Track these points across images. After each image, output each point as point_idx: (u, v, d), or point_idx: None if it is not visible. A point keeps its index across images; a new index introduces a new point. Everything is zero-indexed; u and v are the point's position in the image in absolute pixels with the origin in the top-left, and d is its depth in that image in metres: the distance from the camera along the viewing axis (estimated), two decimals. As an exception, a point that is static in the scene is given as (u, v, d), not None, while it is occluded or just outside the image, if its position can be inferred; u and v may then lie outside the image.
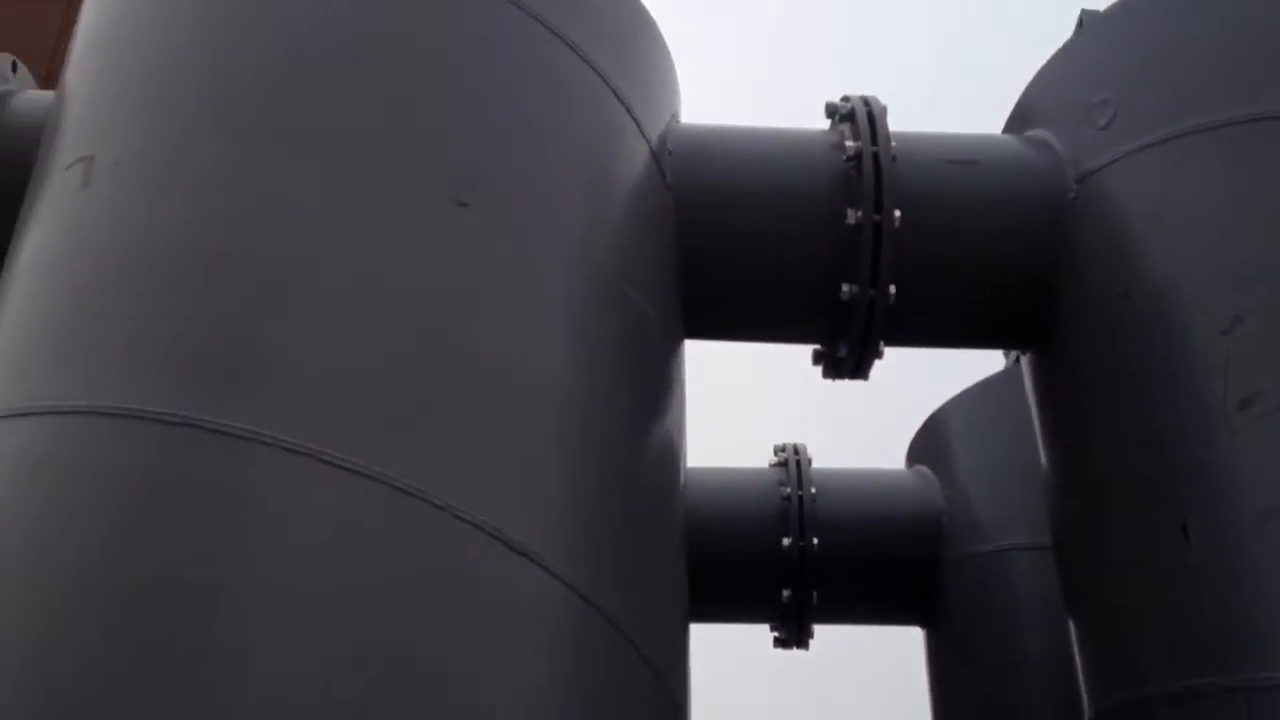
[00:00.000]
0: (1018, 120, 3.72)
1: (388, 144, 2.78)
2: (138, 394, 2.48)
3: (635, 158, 3.22)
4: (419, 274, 2.64)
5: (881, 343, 3.46)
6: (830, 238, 3.36)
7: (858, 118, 3.44)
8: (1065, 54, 3.62)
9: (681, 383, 3.37)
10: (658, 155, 3.32)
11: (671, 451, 3.16)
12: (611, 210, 3.07)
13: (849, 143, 3.38)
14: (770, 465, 4.86)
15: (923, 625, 4.82)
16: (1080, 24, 3.78)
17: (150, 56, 2.95)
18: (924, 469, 4.92)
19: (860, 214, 3.31)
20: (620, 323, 2.93)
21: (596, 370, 2.81)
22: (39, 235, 2.87)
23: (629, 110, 3.24)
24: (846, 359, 3.49)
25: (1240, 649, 2.64)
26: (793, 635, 4.72)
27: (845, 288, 3.34)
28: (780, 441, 4.93)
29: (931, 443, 4.98)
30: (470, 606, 2.41)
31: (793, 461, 4.75)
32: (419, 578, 2.40)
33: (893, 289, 3.33)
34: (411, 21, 2.97)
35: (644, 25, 3.51)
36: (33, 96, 3.54)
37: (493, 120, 2.90)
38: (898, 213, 3.31)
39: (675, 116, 3.56)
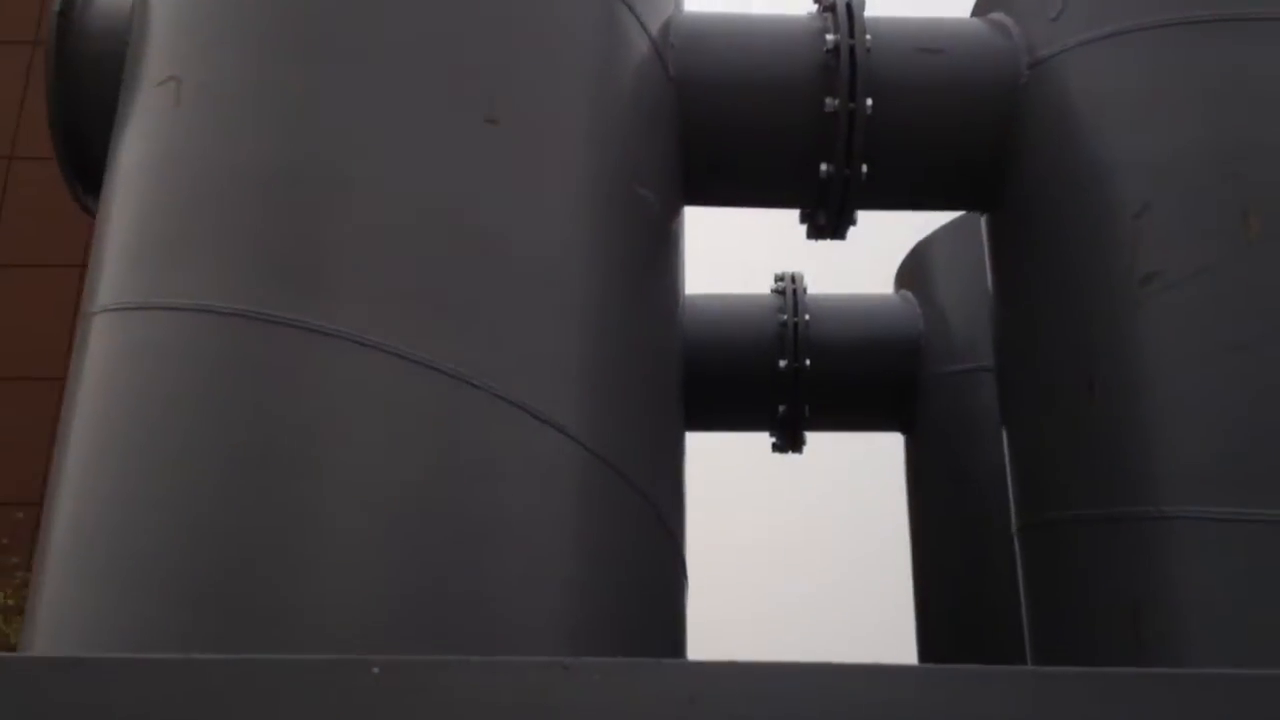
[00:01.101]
0: (986, 3, 4.14)
1: (433, 72, 3.29)
2: (235, 294, 3.08)
3: (641, 59, 3.70)
4: (462, 189, 3.19)
5: (856, 211, 4.00)
6: (811, 121, 3.85)
7: (838, 9, 3.89)
8: (1027, -56, 4.02)
9: (680, 249, 3.92)
10: (661, 51, 3.79)
11: (671, 315, 3.75)
12: (621, 114, 3.57)
13: (829, 36, 3.84)
14: (770, 292, 5.44)
15: (904, 433, 5.48)
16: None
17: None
18: (908, 293, 5.49)
19: (837, 102, 3.80)
20: (629, 217, 3.49)
21: (611, 263, 3.39)
22: (139, 147, 3.42)
23: (634, 12, 3.70)
24: (826, 225, 4.04)
25: (1120, 485, 3.27)
26: (787, 443, 5.39)
27: (824, 166, 3.86)
28: (781, 270, 5.49)
29: (916, 269, 5.53)
30: (505, 466, 3.05)
31: (789, 290, 5.32)
32: (464, 446, 3.04)
33: (865, 168, 3.85)
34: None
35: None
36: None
37: (517, 45, 3.39)
38: (870, 101, 3.80)
39: (678, 4, 4.01)
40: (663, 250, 3.72)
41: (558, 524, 3.12)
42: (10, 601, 8.67)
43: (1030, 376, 3.81)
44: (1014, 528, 3.82)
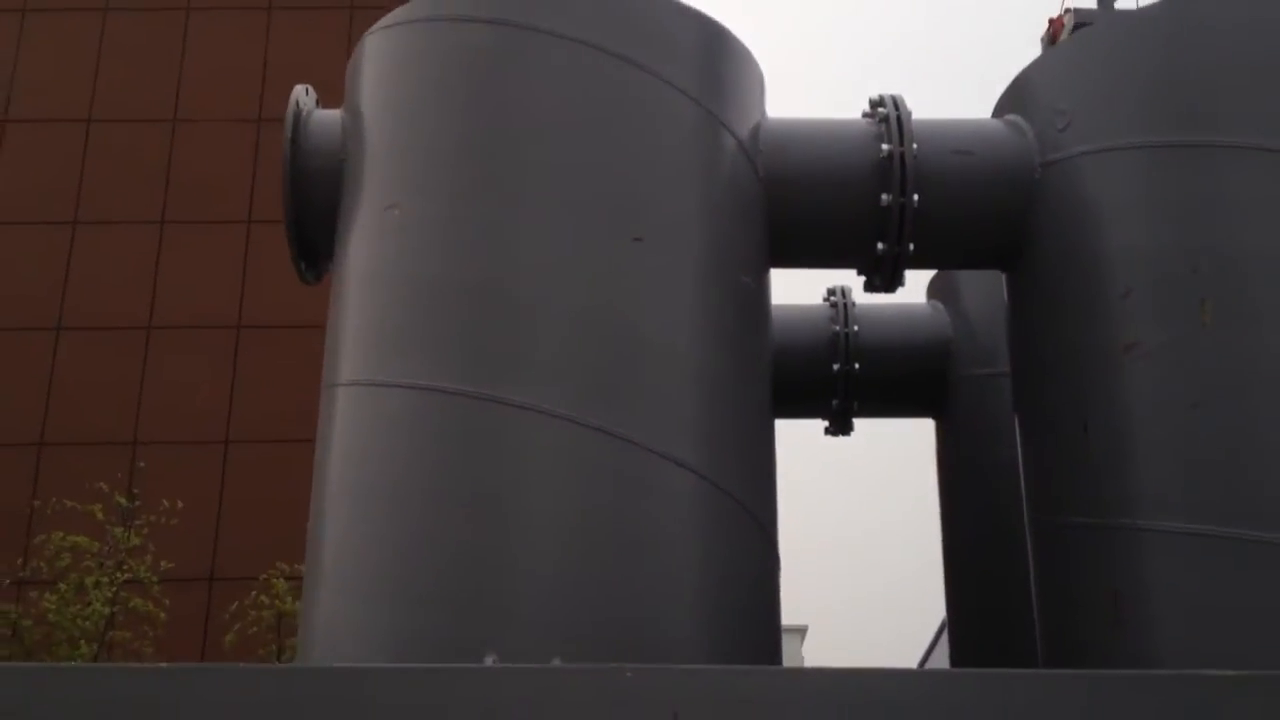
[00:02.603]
0: (1006, 105, 5.18)
1: (588, 201, 4.38)
2: (451, 377, 4.22)
3: (739, 169, 4.77)
4: (615, 295, 4.30)
5: (904, 273, 5.10)
6: (870, 211, 4.93)
7: (890, 122, 4.93)
8: (1040, 63, 5.06)
9: (769, 307, 5.01)
10: (752, 157, 4.85)
11: (765, 363, 4.86)
12: (726, 217, 4.66)
13: (884, 145, 4.90)
14: (824, 302, 6.53)
15: (935, 420, 6.61)
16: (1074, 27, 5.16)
17: (429, 130, 4.53)
18: (938, 304, 6.57)
19: (890, 197, 4.87)
20: (734, 300, 4.60)
21: (721, 338, 4.51)
22: (369, 255, 4.54)
23: (734, 134, 4.76)
24: (880, 286, 5.13)
25: (1107, 503, 4.41)
26: (839, 429, 6.52)
27: (879, 245, 4.95)
28: (833, 285, 6.56)
29: (945, 283, 6.56)
30: (651, 499, 4.20)
31: (840, 304, 6.41)
32: (621, 485, 4.18)
33: (911, 246, 4.93)
34: (599, 106, 4.50)
35: (736, 53, 4.93)
36: (322, 116, 5.02)
37: (652, 175, 4.48)
38: (916, 196, 4.87)
39: (763, 113, 5.05)
40: (758, 317, 4.82)
41: (690, 538, 4.28)
42: None
43: (1038, 410, 4.93)
44: (1026, 520, 4.97)
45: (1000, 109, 5.24)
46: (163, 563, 10.39)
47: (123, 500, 10.26)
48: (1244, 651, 4.04)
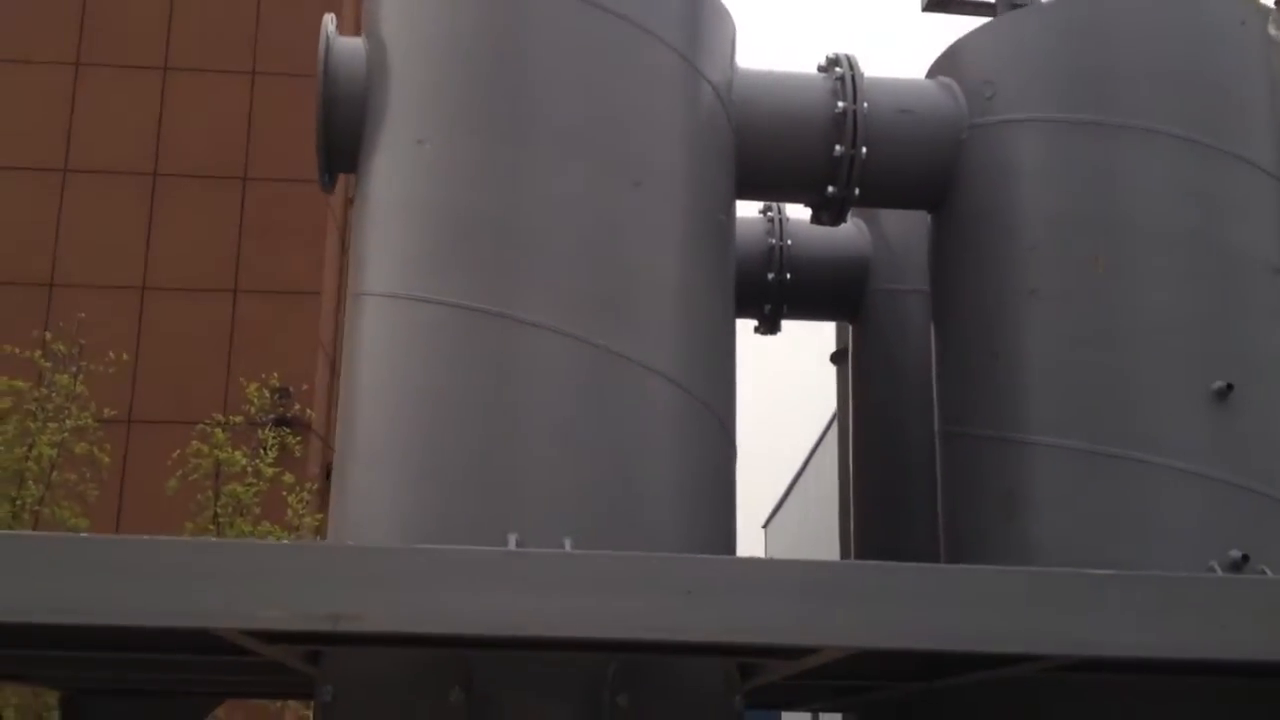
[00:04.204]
0: (942, 68, 5.99)
1: (592, 146, 5.10)
2: (470, 295, 4.95)
3: (717, 117, 5.50)
4: (617, 231, 5.06)
5: (850, 210, 5.94)
6: (825, 156, 5.73)
7: (845, 81, 5.71)
8: (975, 36, 5.86)
9: (734, 230, 5.79)
10: (727, 107, 5.59)
11: (730, 283, 5.67)
12: (707, 162, 5.42)
13: (840, 103, 5.68)
14: (761, 215, 7.34)
15: (852, 324, 7.54)
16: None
17: (452, 76, 5.16)
18: (860, 222, 7.44)
19: (842, 149, 5.68)
20: (711, 235, 5.39)
21: (700, 266, 5.30)
22: (397, 181, 5.20)
23: (712, 85, 5.49)
24: (828, 221, 5.97)
25: (1006, 418, 5.38)
26: (769, 328, 7.40)
27: (830, 189, 5.77)
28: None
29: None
30: (637, 403, 5.03)
31: (776, 219, 7.24)
32: (611, 391, 5.00)
33: (857, 190, 5.77)
34: (592, 58, 5.18)
35: (714, 8, 5.61)
36: (345, 45, 5.57)
37: (646, 122, 5.20)
38: (864, 149, 5.68)
39: (735, 65, 5.76)
40: (728, 247, 5.63)
41: (668, 437, 5.14)
42: None
43: (954, 334, 5.87)
44: (935, 430, 5.95)
45: (935, 70, 6.05)
46: (106, 410, 10.94)
47: (61, 347, 10.71)
48: (1108, 543, 5.09)
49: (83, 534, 7.62)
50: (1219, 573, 4.80)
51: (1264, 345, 5.25)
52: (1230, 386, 5.04)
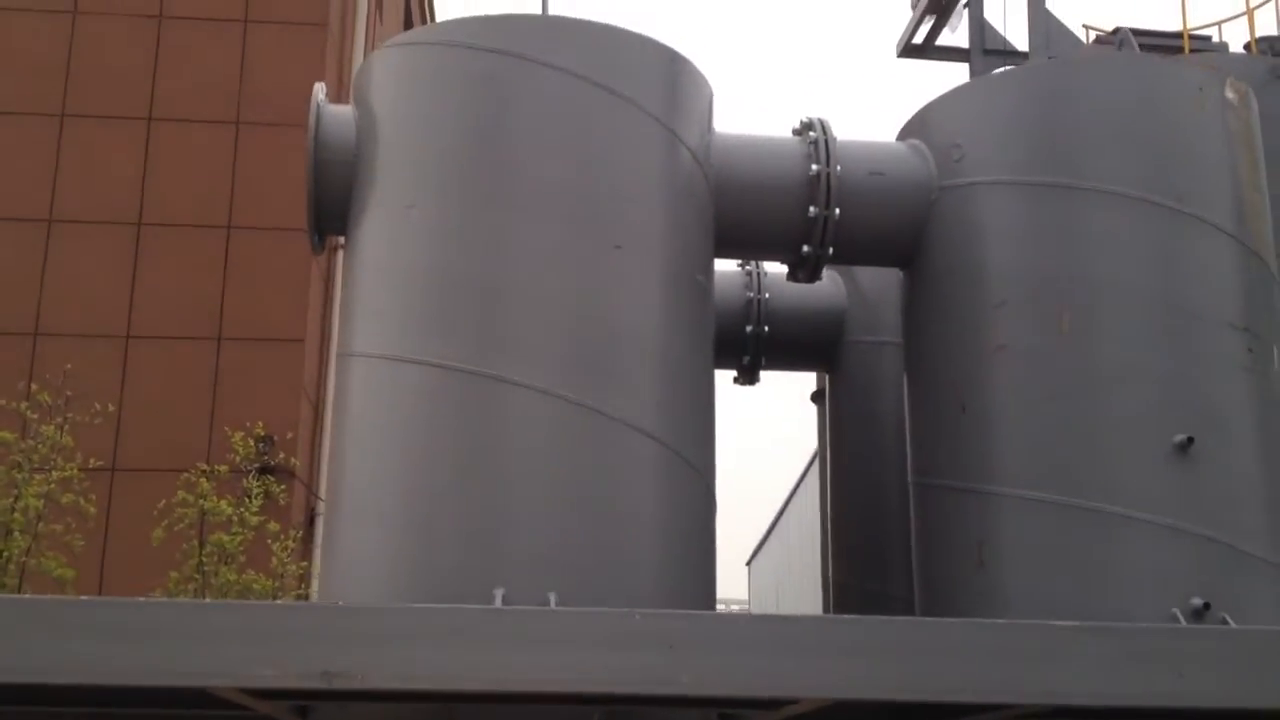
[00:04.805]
0: (912, 131, 6.19)
1: (575, 212, 5.27)
2: (456, 356, 5.11)
3: (695, 181, 5.69)
4: (599, 293, 5.23)
5: (824, 269, 6.12)
6: (800, 217, 5.92)
7: (819, 145, 5.90)
8: (944, 100, 6.07)
9: (713, 289, 5.97)
10: (705, 170, 5.78)
11: (711, 344, 5.84)
12: (687, 225, 5.60)
13: (814, 166, 5.87)
14: (740, 269, 7.53)
15: (830, 374, 7.72)
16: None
17: (441, 144, 5.35)
18: (835, 274, 7.63)
19: (816, 210, 5.87)
20: (690, 295, 5.56)
21: (680, 327, 5.48)
22: (385, 242, 5.37)
23: (690, 150, 5.68)
24: (804, 280, 6.16)
25: (975, 470, 5.55)
26: (748, 379, 7.57)
27: (805, 248, 5.96)
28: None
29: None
30: (621, 460, 5.19)
31: (755, 273, 7.42)
32: (597, 448, 5.15)
33: (831, 249, 5.95)
34: (574, 127, 5.37)
35: (691, 77, 5.81)
36: (335, 112, 5.75)
37: (628, 190, 5.38)
38: (838, 210, 5.88)
39: (712, 129, 5.95)
40: (707, 305, 5.80)
41: (651, 494, 5.29)
42: None
43: (925, 388, 6.05)
44: (910, 480, 6.12)
45: (906, 133, 6.26)
46: (91, 460, 11.01)
47: (46, 398, 10.80)
48: (1075, 593, 5.25)
49: (90, 597, 7.75)
50: (1181, 621, 4.97)
51: (1223, 400, 5.44)
52: (1191, 440, 5.22)
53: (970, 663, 3.97)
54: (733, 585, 47.07)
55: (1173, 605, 5.06)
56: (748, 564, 45.57)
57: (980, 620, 4.85)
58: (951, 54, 16.06)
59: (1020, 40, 14.20)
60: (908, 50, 16.19)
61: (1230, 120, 5.81)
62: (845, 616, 4.57)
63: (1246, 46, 12.92)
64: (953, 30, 15.71)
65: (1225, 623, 4.97)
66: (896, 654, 3.96)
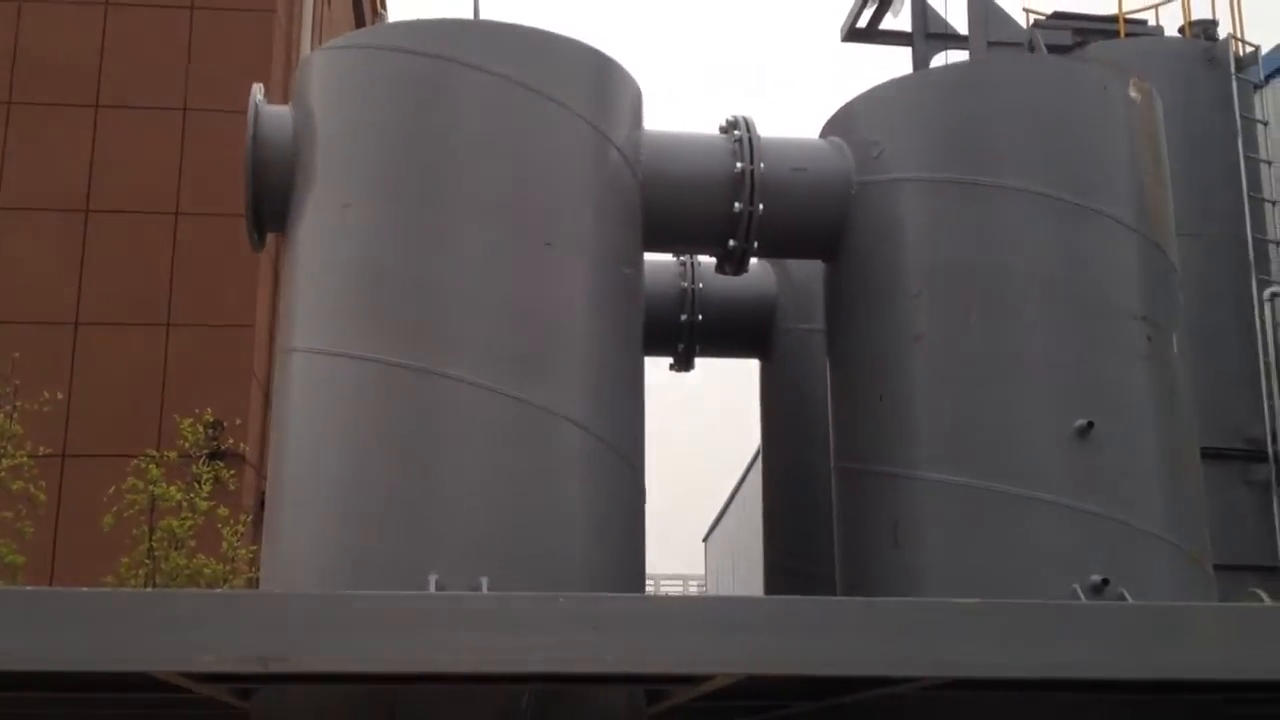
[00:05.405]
0: (833, 128, 6.44)
1: (506, 210, 5.48)
2: (389, 350, 5.31)
3: (624, 178, 5.91)
4: (529, 288, 5.44)
5: (750, 262, 6.36)
6: (725, 212, 6.15)
7: (743, 143, 6.13)
8: (864, 99, 6.31)
9: (642, 282, 6.19)
10: (633, 167, 5.99)
11: (640, 335, 6.06)
12: (615, 219, 5.82)
13: (738, 163, 6.10)
14: (675, 260, 7.75)
15: (761, 361, 7.97)
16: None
17: (378, 144, 5.53)
18: (766, 263, 7.86)
19: (741, 205, 6.10)
20: (618, 288, 5.78)
21: (609, 318, 5.70)
22: (322, 242, 5.55)
23: (619, 149, 5.89)
24: (730, 271, 6.39)
25: (891, 454, 5.82)
26: (683, 366, 7.81)
27: (731, 241, 6.19)
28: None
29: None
30: (551, 450, 5.41)
31: (689, 262, 7.65)
32: (527, 438, 5.38)
33: (756, 243, 6.19)
34: (505, 128, 5.57)
35: (620, 78, 6.03)
36: (272, 112, 5.91)
37: (556, 186, 5.59)
38: (762, 205, 6.11)
39: (641, 127, 6.17)
40: (636, 298, 6.02)
41: (580, 482, 5.52)
42: None
43: (847, 376, 6.31)
44: (832, 465, 6.38)
45: (829, 130, 6.50)
46: (41, 447, 11.12)
47: (-4, 387, 10.90)
48: (985, 570, 5.53)
49: (35, 587, 7.92)
50: (1081, 597, 5.26)
51: (1124, 386, 5.73)
52: (1091, 424, 5.51)
53: (872, 639, 4.23)
54: (693, 561, 47.52)
55: (1074, 581, 5.35)
56: (704, 540, 45.97)
57: (882, 599, 5.11)
58: (895, 38, 16.33)
59: (963, 24, 14.49)
60: (852, 34, 16.42)
61: (1134, 118, 6.09)
62: (756, 597, 4.82)
63: (1181, 30, 13.25)
64: (895, 15, 15.98)
65: (1123, 598, 5.27)
66: (804, 631, 4.22)
